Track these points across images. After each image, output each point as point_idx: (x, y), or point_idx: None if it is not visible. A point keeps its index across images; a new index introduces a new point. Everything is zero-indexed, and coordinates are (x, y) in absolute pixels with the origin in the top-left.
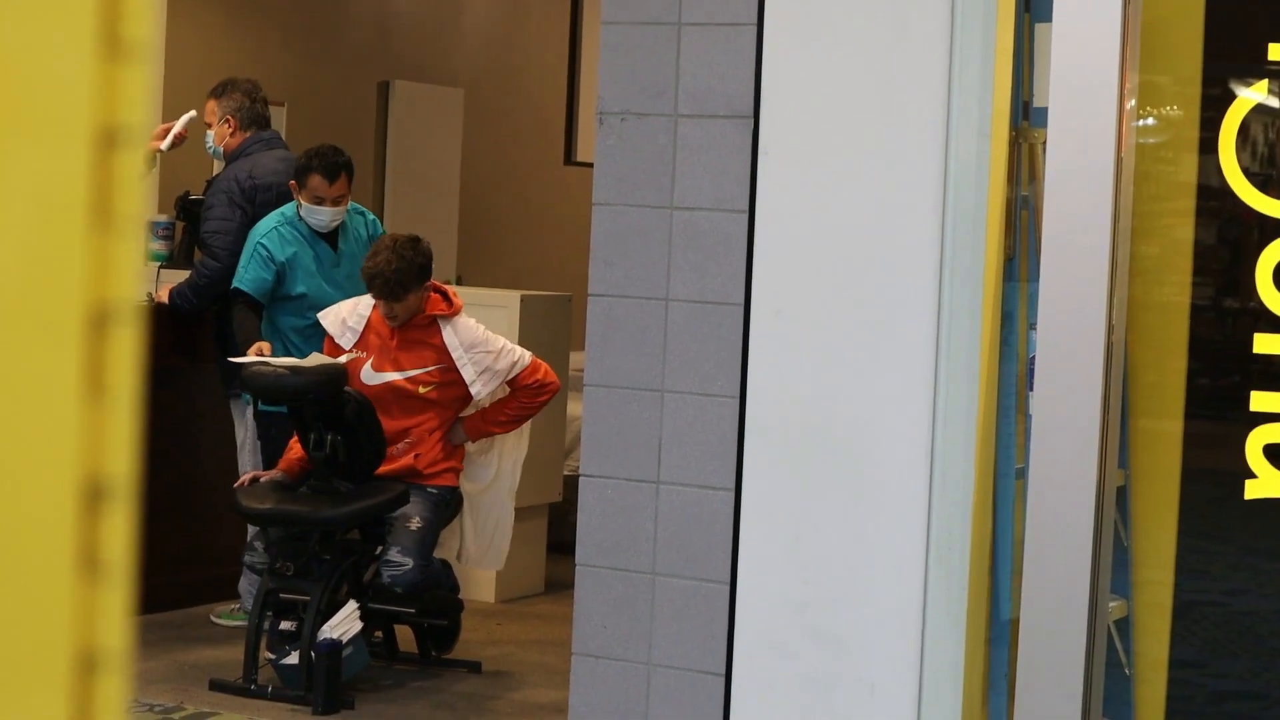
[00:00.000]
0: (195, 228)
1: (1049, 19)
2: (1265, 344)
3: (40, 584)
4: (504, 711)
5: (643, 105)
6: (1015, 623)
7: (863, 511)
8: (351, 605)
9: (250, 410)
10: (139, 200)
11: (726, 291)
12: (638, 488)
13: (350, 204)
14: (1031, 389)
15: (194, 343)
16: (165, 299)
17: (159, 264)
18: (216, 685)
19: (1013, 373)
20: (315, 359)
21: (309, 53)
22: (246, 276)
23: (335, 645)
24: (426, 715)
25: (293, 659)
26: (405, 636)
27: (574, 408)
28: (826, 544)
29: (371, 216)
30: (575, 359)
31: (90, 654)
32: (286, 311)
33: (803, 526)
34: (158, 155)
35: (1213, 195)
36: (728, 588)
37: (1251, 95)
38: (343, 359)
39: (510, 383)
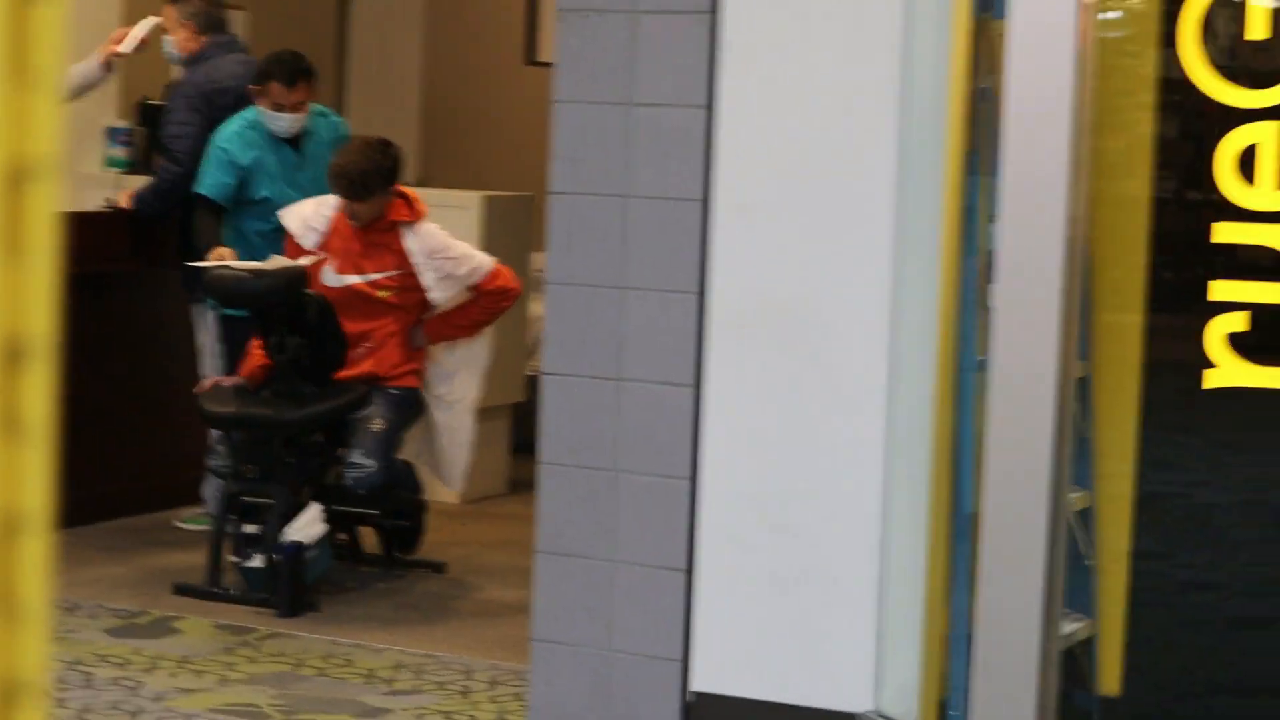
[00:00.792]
0: (155, 133)
1: None
2: (1223, 233)
3: None
4: (468, 611)
5: (603, 2)
6: (977, 516)
7: (824, 406)
8: (315, 507)
9: (212, 315)
10: (56, 52)
11: (687, 187)
12: (600, 385)
13: (315, 106)
14: (992, 282)
15: (156, 248)
16: (127, 204)
17: (120, 170)
18: (181, 589)
19: (973, 266)
20: (276, 262)
21: None
22: (207, 181)
23: (299, 548)
24: (391, 616)
25: (257, 562)
26: (369, 538)
27: (535, 308)
28: (788, 439)
29: (336, 118)
30: (536, 259)
31: (12, 515)
32: (250, 215)
33: (764, 422)
34: (118, 60)
35: (1175, 89)
36: (689, 483)
37: None
38: (303, 261)
39: (472, 288)
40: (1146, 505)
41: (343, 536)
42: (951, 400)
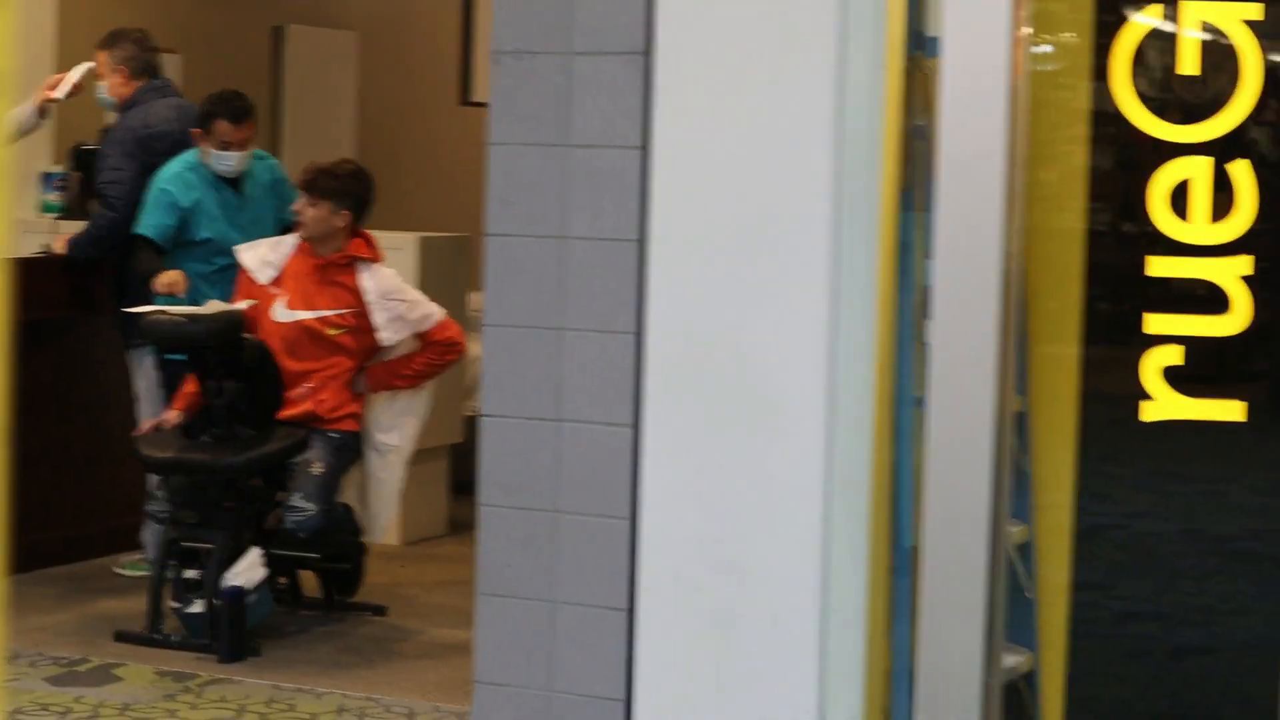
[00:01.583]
0: (90, 178)
1: None
2: (1158, 266)
3: None
4: (410, 654)
5: (537, 44)
6: (916, 551)
7: (763, 444)
8: (255, 552)
9: (150, 359)
10: (6, 55)
11: (623, 228)
12: (539, 426)
13: (253, 150)
14: (929, 317)
15: (91, 293)
16: (62, 250)
17: (55, 215)
18: (122, 636)
19: (910, 302)
20: (214, 306)
21: (201, 0)
22: (149, 222)
23: (239, 592)
24: (332, 659)
25: (197, 607)
26: (309, 582)
27: (474, 348)
28: (728, 478)
29: (273, 160)
30: (474, 299)
31: None
32: (191, 257)
33: (704, 461)
34: (52, 106)
35: (1108, 121)
36: (629, 523)
37: (1145, 20)
38: (240, 305)
39: (420, 336)
40: (1086, 537)
41: (283, 580)
42: (890, 436)
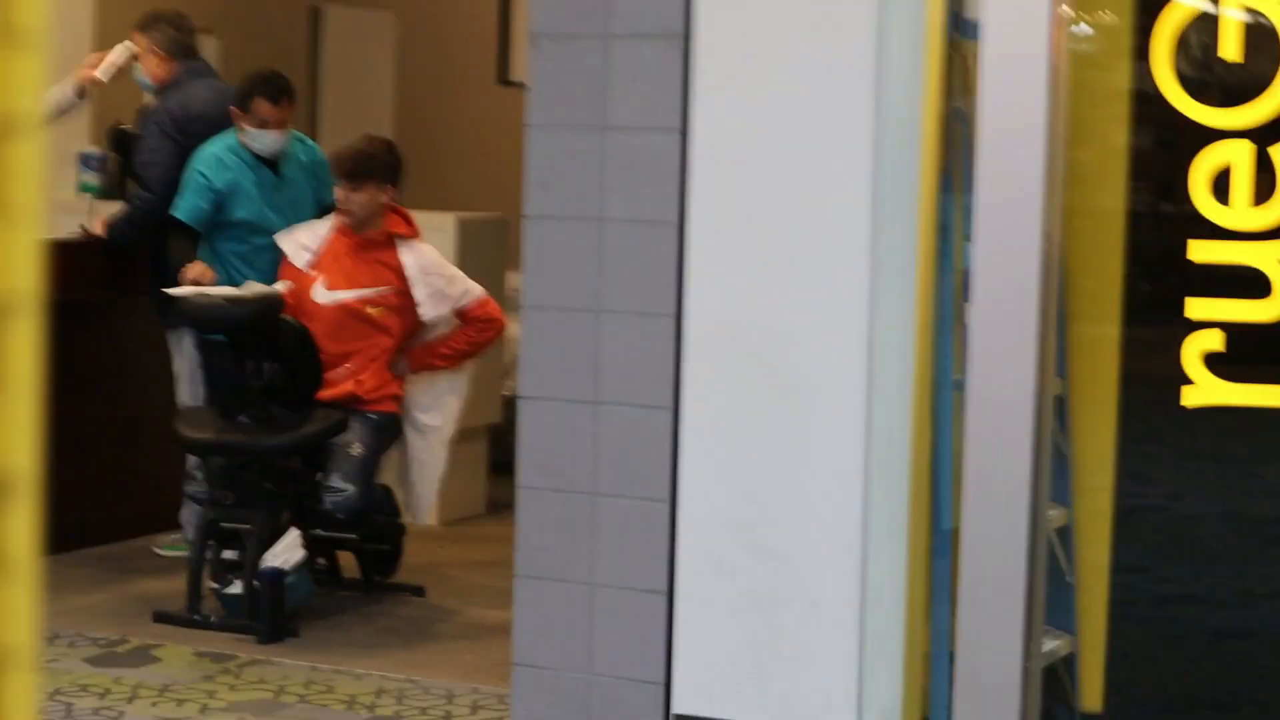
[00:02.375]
0: (128, 160)
1: None
2: (1200, 251)
3: None
4: (448, 634)
5: (575, 26)
6: (956, 533)
7: (802, 427)
8: (294, 533)
9: (189, 340)
10: (36, 190)
11: (661, 211)
12: (576, 408)
13: (291, 131)
14: (968, 300)
15: (129, 275)
16: (99, 232)
17: (93, 195)
18: (160, 617)
19: (949, 284)
20: (252, 288)
21: None
22: (183, 205)
23: (278, 573)
24: (371, 640)
25: (236, 588)
26: (348, 563)
27: (512, 328)
28: (766, 460)
29: (311, 143)
30: (512, 279)
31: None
32: (227, 237)
33: (742, 443)
34: (91, 86)
35: (1147, 102)
36: (668, 506)
37: (1186, 2)
38: (279, 287)
39: (459, 315)
40: (1125, 519)
41: (321, 561)
42: (930, 418)
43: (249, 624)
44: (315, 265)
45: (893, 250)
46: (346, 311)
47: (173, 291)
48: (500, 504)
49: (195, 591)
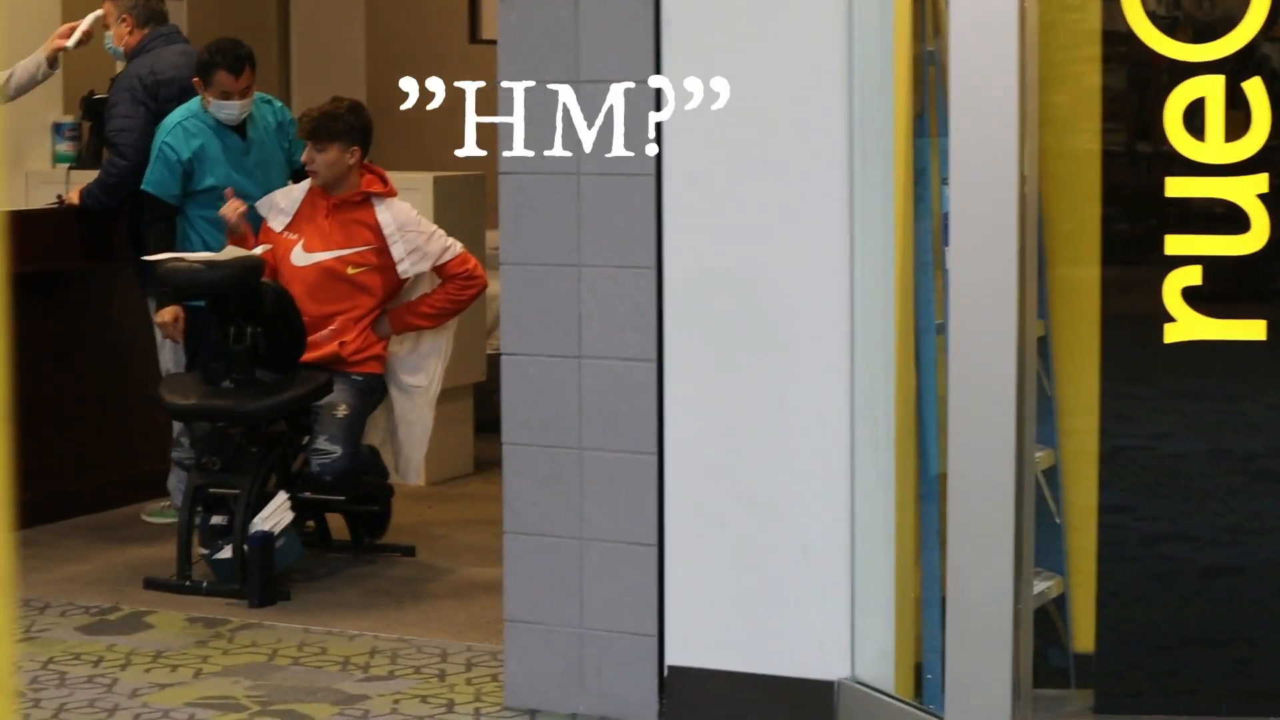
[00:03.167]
0: (101, 127)
1: None
2: (1177, 187)
3: None
4: (439, 594)
5: None
6: (944, 477)
7: (786, 376)
8: (282, 496)
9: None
10: None
11: (637, 162)
12: (560, 363)
13: (257, 94)
14: (947, 244)
15: (108, 243)
16: (76, 200)
17: (68, 165)
18: (151, 584)
19: (928, 229)
20: (230, 252)
21: None
22: (151, 178)
23: (267, 537)
24: (362, 601)
25: (226, 553)
26: (337, 525)
27: (494, 286)
28: (751, 410)
29: (279, 104)
30: (491, 238)
31: None
32: (198, 204)
33: (727, 394)
34: (62, 55)
35: (1119, 41)
36: (655, 458)
37: None
38: (257, 250)
39: (439, 272)
40: (1112, 459)
41: (310, 524)
42: (913, 364)
43: (240, 588)
44: (292, 228)
45: (870, 196)
46: (326, 272)
47: (150, 259)
48: (487, 462)
49: (185, 557)
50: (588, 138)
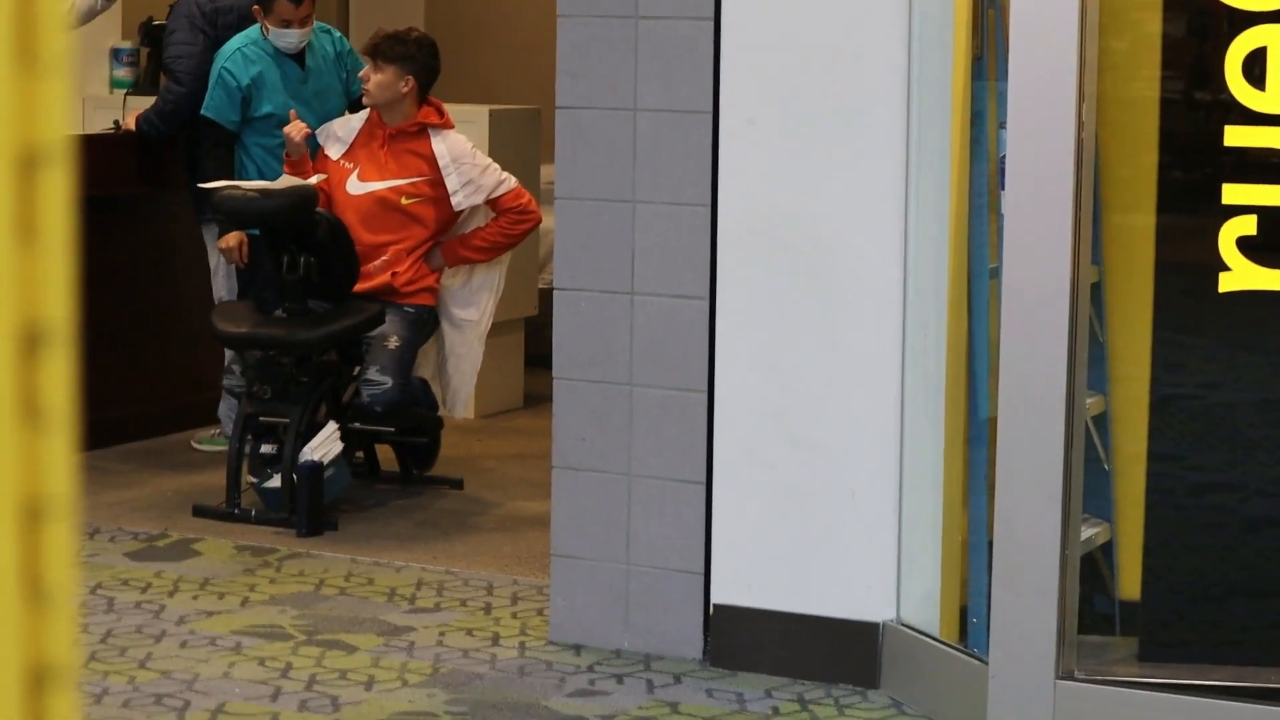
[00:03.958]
0: (159, 54)
1: None
2: (1236, 136)
3: None
4: (487, 526)
5: None
6: (993, 422)
7: (837, 317)
8: (331, 426)
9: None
10: (63, 38)
11: (694, 100)
12: (612, 299)
13: (316, 23)
14: (1003, 188)
15: (163, 169)
16: (132, 126)
17: (125, 91)
18: (200, 511)
19: (984, 172)
20: (285, 181)
21: None
22: (210, 103)
23: (316, 467)
24: (410, 533)
25: (275, 482)
26: (386, 456)
27: (547, 221)
28: (802, 350)
29: (338, 34)
30: (546, 172)
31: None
32: (255, 131)
33: (778, 334)
34: None
35: None
36: (705, 396)
37: None
38: (312, 179)
39: (493, 205)
40: (1162, 407)
41: (359, 455)
42: (965, 308)
43: (288, 517)
44: (348, 156)
45: (927, 138)
46: (380, 202)
47: (206, 186)
48: (537, 397)
49: (234, 485)
50: (646, 74)
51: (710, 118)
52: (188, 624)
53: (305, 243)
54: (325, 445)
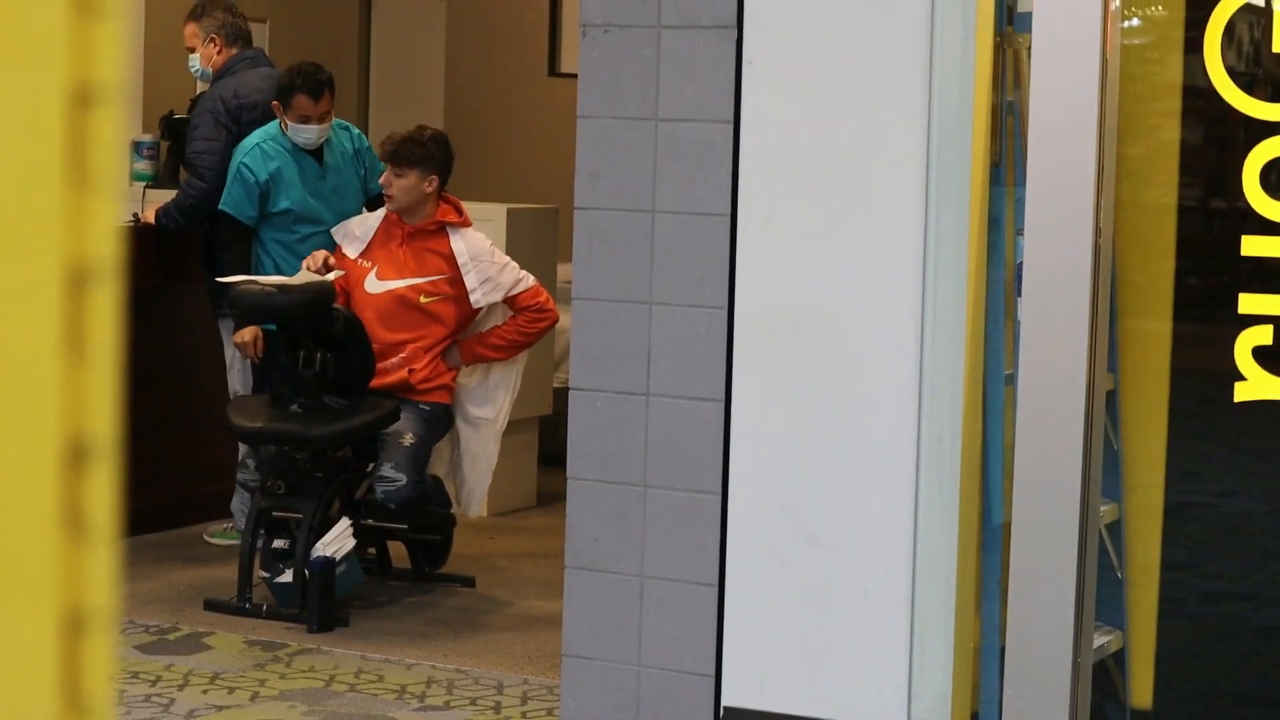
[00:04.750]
0: (180, 147)
1: None
2: (1253, 246)
3: (25, 545)
4: (498, 625)
5: (625, 16)
6: (1007, 527)
7: (853, 419)
8: (344, 522)
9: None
10: (115, 158)
11: (713, 202)
12: (627, 400)
13: (335, 120)
14: (1019, 293)
15: (181, 263)
16: (151, 219)
17: (144, 184)
18: (211, 605)
19: (1000, 278)
20: (302, 277)
21: None
22: (228, 198)
23: (329, 563)
24: (421, 630)
25: (287, 577)
26: (398, 552)
27: (563, 319)
28: (818, 452)
29: (356, 131)
30: (563, 270)
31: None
32: (272, 227)
33: (794, 435)
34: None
35: (1198, 96)
36: (719, 498)
37: None
38: (330, 276)
39: (511, 304)
40: (1176, 515)
41: (371, 551)
42: (981, 412)
43: (299, 613)
44: (366, 255)
45: (944, 242)
46: (399, 300)
47: (223, 280)
48: (550, 496)
49: (246, 580)
50: (665, 175)
51: (729, 220)
52: (197, 718)
53: (322, 338)
54: (338, 541)
